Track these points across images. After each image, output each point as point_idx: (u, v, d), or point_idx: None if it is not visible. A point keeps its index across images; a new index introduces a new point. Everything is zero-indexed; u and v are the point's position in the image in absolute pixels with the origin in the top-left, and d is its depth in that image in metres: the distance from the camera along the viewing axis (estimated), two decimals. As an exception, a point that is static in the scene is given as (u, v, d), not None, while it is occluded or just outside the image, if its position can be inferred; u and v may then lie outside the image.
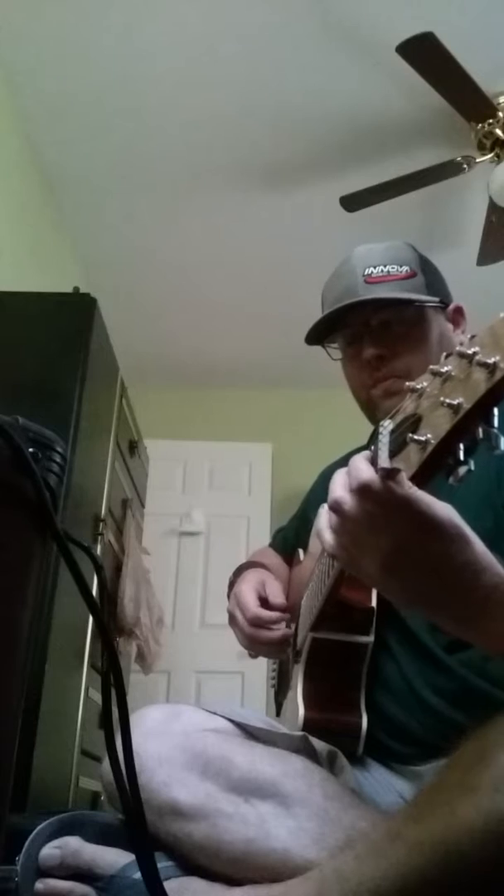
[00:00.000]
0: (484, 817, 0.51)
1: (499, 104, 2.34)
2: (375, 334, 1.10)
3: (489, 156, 2.43)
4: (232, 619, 1.15)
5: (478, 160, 2.43)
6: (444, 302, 1.15)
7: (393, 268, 1.11)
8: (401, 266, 1.11)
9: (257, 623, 1.09)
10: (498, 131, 2.38)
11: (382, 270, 1.10)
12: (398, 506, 0.62)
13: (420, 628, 0.99)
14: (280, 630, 1.09)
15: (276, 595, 1.13)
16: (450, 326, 1.15)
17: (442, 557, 0.64)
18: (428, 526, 0.63)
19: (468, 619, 0.67)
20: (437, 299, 1.11)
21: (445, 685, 0.94)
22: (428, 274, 1.13)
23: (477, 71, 2.13)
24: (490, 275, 2.85)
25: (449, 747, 0.58)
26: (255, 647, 1.12)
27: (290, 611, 1.14)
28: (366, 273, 1.11)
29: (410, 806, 0.60)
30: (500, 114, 2.35)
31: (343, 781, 0.90)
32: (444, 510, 0.64)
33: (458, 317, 1.17)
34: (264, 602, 1.12)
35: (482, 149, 2.44)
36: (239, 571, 1.25)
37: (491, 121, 2.35)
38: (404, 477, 0.62)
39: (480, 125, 2.37)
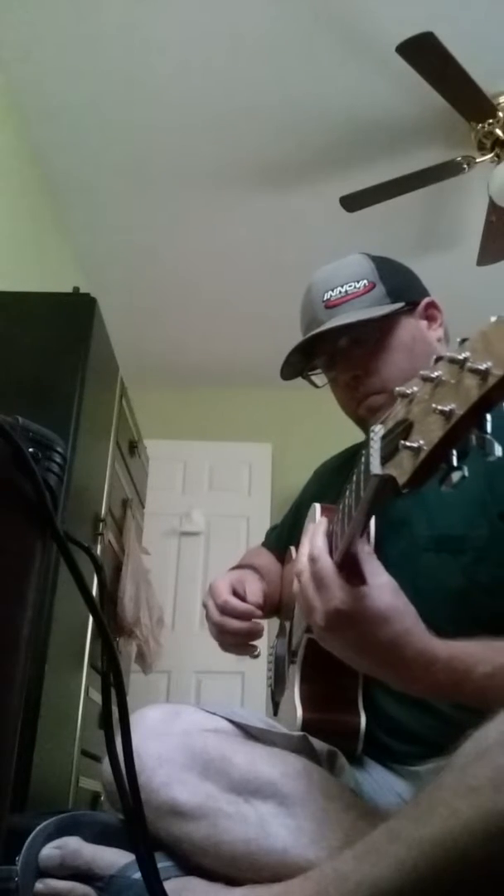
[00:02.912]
0: (484, 817, 0.51)
1: (499, 104, 2.34)
2: (346, 357, 1.11)
3: (489, 156, 2.43)
4: (206, 612, 1.13)
5: (478, 160, 2.43)
6: (412, 302, 1.13)
7: (350, 286, 1.10)
8: (357, 282, 1.10)
9: (225, 610, 1.08)
10: (498, 131, 2.38)
11: (340, 291, 1.10)
12: (333, 588, 0.75)
13: None
14: (247, 624, 1.07)
15: (253, 593, 1.12)
16: (423, 324, 1.14)
17: (366, 637, 0.74)
18: (358, 613, 0.73)
19: (395, 682, 0.78)
20: (400, 304, 1.09)
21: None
22: (387, 281, 1.11)
23: (477, 71, 2.13)
24: (490, 275, 2.85)
25: (449, 746, 0.58)
26: (223, 637, 1.10)
27: (265, 611, 1.14)
28: (325, 298, 1.11)
29: (410, 806, 0.60)
30: (500, 114, 2.35)
31: (343, 782, 0.90)
32: (377, 598, 0.74)
33: (431, 311, 1.16)
34: (239, 597, 1.11)
35: (482, 149, 2.44)
36: None
37: (491, 121, 2.35)
38: (363, 545, 0.76)
39: (480, 125, 2.37)
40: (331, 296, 1.10)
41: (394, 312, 1.09)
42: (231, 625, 1.07)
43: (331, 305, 1.10)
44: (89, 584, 0.60)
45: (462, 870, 0.52)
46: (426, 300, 1.16)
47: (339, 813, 0.79)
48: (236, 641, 1.09)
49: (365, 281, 1.10)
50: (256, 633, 1.09)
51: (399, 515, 1.00)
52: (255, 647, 1.10)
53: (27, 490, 0.55)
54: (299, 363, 1.17)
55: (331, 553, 0.79)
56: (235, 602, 1.08)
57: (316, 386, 1.21)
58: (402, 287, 1.13)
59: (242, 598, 1.11)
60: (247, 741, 0.91)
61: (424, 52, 2.03)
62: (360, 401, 1.10)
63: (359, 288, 1.10)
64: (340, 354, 1.12)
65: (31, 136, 2.56)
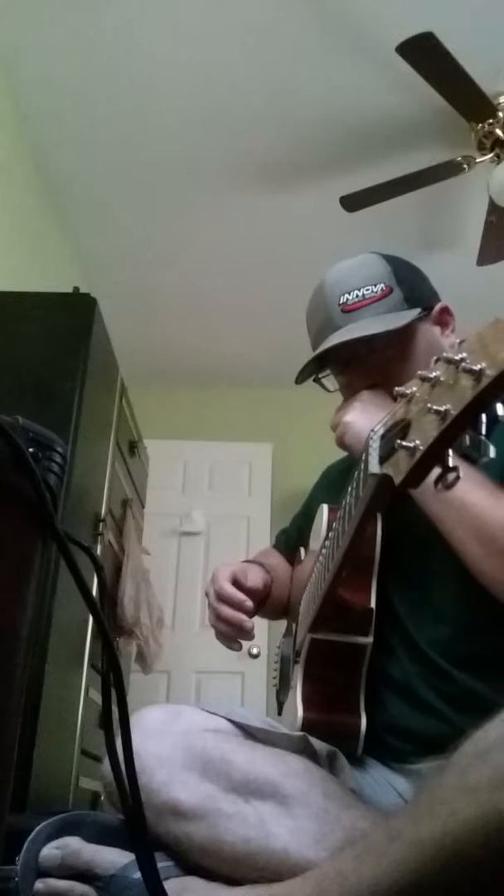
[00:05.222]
0: (483, 816, 0.51)
1: (499, 104, 2.34)
2: (362, 364, 1.10)
3: (489, 156, 2.43)
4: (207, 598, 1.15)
5: (478, 160, 2.43)
6: (428, 307, 1.12)
7: (367, 290, 1.08)
8: (375, 285, 1.08)
9: (220, 596, 1.09)
10: (498, 131, 2.38)
11: (357, 295, 1.08)
12: None
13: (419, 633, 0.99)
14: (239, 615, 1.07)
15: (253, 579, 1.13)
16: (437, 330, 1.13)
17: None
18: None
19: None
20: (417, 311, 1.08)
21: (446, 688, 0.94)
22: (404, 285, 1.10)
23: (477, 71, 2.13)
24: (490, 275, 2.85)
25: (449, 746, 0.58)
26: (217, 623, 1.11)
27: (259, 595, 1.14)
28: (341, 302, 1.08)
29: (410, 805, 0.60)
30: (500, 114, 2.35)
31: (343, 781, 0.90)
32: None
33: (444, 317, 1.15)
34: (239, 585, 1.12)
35: (482, 149, 2.44)
36: None
37: (491, 121, 2.35)
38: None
39: (480, 125, 2.37)
40: (347, 299, 1.08)
41: (412, 320, 1.07)
42: (223, 611, 1.08)
43: (348, 310, 1.08)
44: (89, 584, 0.60)
45: (462, 870, 0.51)
46: (440, 305, 1.14)
47: (340, 813, 0.79)
48: (227, 631, 1.10)
49: (382, 285, 1.08)
50: (245, 631, 1.08)
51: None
52: (241, 645, 1.11)
53: (27, 490, 0.54)
54: (311, 367, 1.15)
55: (332, 554, 0.79)
56: (230, 589, 1.09)
57: (328, 390, 1.19)
58: (418, 292, 1.12)
59: (243, 587, 1.11)
60: (247, 741, 0.91)
61: (424, 52, 2.03)
62: None
63: (376, 292, 1.08)
64: (356, 361, 1.10)
65: (31, 136, 2.56)
